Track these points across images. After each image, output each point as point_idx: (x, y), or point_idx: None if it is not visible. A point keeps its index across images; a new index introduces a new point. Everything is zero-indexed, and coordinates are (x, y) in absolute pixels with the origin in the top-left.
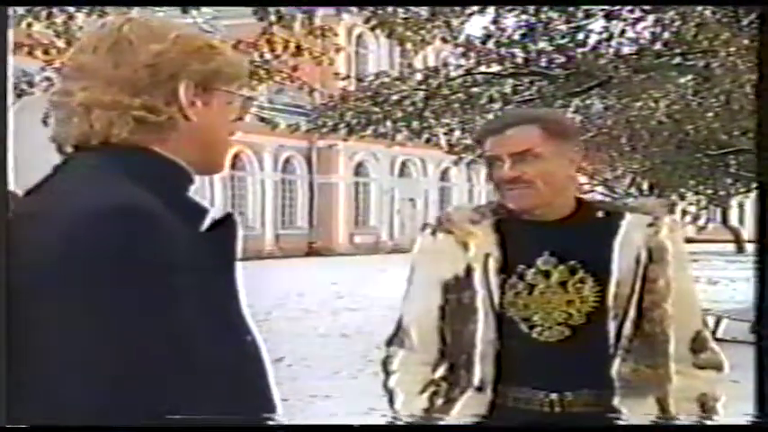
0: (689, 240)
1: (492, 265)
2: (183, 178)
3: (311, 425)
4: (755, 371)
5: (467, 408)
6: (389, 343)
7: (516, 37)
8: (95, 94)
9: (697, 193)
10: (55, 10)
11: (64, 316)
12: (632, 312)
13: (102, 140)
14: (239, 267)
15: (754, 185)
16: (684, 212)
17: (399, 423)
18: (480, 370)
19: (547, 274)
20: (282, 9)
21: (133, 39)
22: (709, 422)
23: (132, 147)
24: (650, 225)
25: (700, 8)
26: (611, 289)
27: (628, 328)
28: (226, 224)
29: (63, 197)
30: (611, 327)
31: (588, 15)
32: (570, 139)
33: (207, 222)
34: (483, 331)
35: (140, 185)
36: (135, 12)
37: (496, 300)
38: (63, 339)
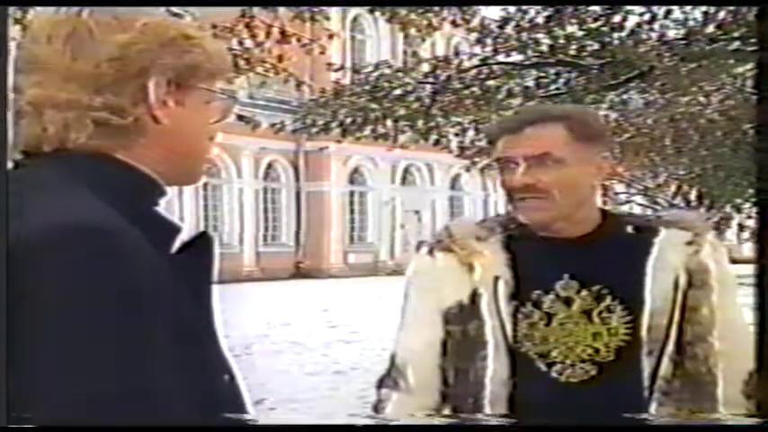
0: (747, 261)
1: (502, 289)
2: (151, 191)
3: (311, 425)
4: (756, 366)
5: None
6: (381, 384)
7: (540, 20)
8: (48, 92)
9: (756, 203)
10: None
11: (19, 351)
12: (670, 347)
13: (56, 146)
14: (215, 293)
15: None
16: (741, 227)
17: (398, 423)
18: (489, 415)
19: (567, 302)
20: None
21: (94, 27)
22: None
23: (92, 154)
24: (689, 243)
25: None
26: (645, 319)
27: (665, 366)
28: (200, 244)
29: (9, 215)
30: (646, 364)
31: None
32: (599, 143)
33: (178, 243)
34: (493, 369)
35: (101, 199)
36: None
37: (509, 331)
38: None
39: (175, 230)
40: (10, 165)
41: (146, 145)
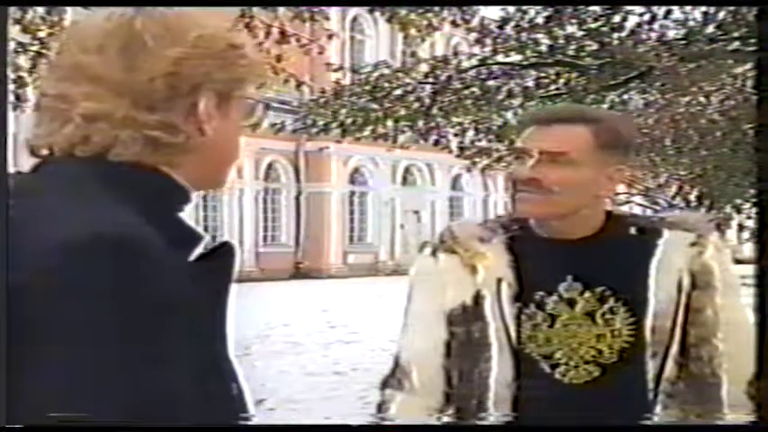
0: (746, 261)
1: (505, 291)
2: (178, 197)
3: (311, 425)
4: (756, 364)
5: None
6: (385, 385)
7: (540, 20)
8: (103, 106)
9: (757, 204)
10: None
11: (36, 359)
12: (674, 349)
13: (92, 152)
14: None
15: None
16: (741, 227)
17: (397, 423)
18: (494, 416)
19: (571, 303)
20: None
21: (148, 39)
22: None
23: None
24: (693, 244)
25: None
26: (649, 321)
27: (669, 367)
28: (222, 253)
29: (38, 216)
30: (650, 366)
31: None
32: (619, 153)
33: (198, 251)
34: (497, 371)
35: (129, 204)
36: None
37: (512, 333)
38: (30, 388)
39: (198, 239)
40: (33, 162)
41: (188, 159)
